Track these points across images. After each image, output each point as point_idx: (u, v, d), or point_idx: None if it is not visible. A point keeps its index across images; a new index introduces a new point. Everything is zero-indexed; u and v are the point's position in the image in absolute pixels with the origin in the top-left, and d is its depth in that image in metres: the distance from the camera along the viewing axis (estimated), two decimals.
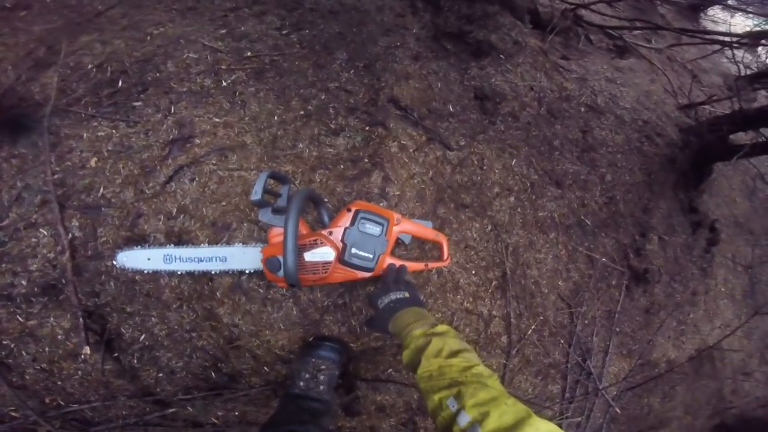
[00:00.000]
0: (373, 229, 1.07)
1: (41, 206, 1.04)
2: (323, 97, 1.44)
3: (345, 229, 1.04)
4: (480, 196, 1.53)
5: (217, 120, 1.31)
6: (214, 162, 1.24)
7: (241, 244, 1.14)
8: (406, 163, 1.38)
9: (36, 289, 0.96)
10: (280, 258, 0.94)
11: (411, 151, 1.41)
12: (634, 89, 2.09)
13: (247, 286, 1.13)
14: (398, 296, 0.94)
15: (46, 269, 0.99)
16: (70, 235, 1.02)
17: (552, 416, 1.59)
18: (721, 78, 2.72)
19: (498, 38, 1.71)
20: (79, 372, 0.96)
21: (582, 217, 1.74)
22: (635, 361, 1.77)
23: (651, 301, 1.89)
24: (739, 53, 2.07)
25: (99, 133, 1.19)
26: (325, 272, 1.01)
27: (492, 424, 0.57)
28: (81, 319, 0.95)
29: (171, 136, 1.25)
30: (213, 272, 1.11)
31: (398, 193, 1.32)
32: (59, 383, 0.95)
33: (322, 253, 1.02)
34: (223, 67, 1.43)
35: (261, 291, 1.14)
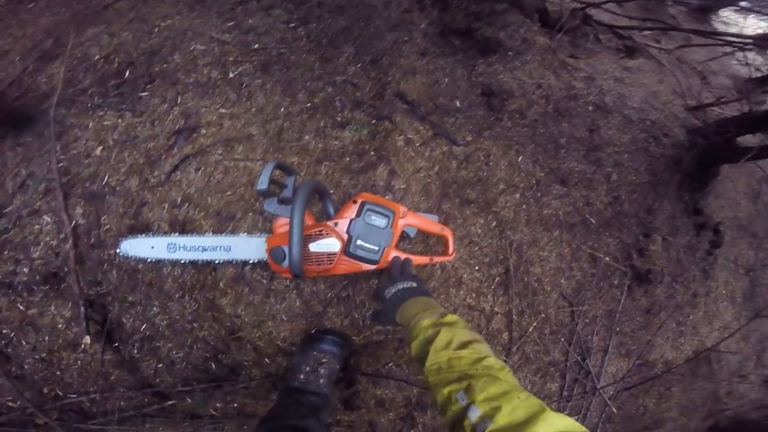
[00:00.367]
0: (379, 221, 1.03)
1: (45, 194, 1.01)
2: (329, 90, 1.39)
3: (351, 221, 1.01)
4: (485, 192, 1.49)
5: (223, 111, 1.28)
6: (219, 152, 1.21)
7: (245, 234, 1.11)
8: (412, 157, 1.33)
9: (38, 277, 0.93)
10: (285, 248, 0.92)
11: (417, 145, 1.36)
12: (642, 89, 2.02)
13: (251, 276, 1.10)
14: (405, 286, 0.90)
15: (48, 257, 0.96)
16: (73, 223, 1.00)
17: None
18: (730, 80, 2.63)
19: (506, 36, 1.65)
20: (79, 362, 0.94)
21: (586, 216, 1.69)
22: (634, 361, 1.73)
23: (652, 301, 1.84)
24: (750, 55, 1.99)
25: (105, 123, 1.15)
26: (330, 263, 0.98)
27: (503, 419, 0.53)
28: (82, 309, 0.92)
29: (177, 127, 1.21)
30: (216, 262, 1.08)
31: (404, 186, 1.28)
32: (58, 373, 0.93)
33: (327, 244, 0.98)
34: (230, 59, 1.39)
35: (264, 282, 1.10)
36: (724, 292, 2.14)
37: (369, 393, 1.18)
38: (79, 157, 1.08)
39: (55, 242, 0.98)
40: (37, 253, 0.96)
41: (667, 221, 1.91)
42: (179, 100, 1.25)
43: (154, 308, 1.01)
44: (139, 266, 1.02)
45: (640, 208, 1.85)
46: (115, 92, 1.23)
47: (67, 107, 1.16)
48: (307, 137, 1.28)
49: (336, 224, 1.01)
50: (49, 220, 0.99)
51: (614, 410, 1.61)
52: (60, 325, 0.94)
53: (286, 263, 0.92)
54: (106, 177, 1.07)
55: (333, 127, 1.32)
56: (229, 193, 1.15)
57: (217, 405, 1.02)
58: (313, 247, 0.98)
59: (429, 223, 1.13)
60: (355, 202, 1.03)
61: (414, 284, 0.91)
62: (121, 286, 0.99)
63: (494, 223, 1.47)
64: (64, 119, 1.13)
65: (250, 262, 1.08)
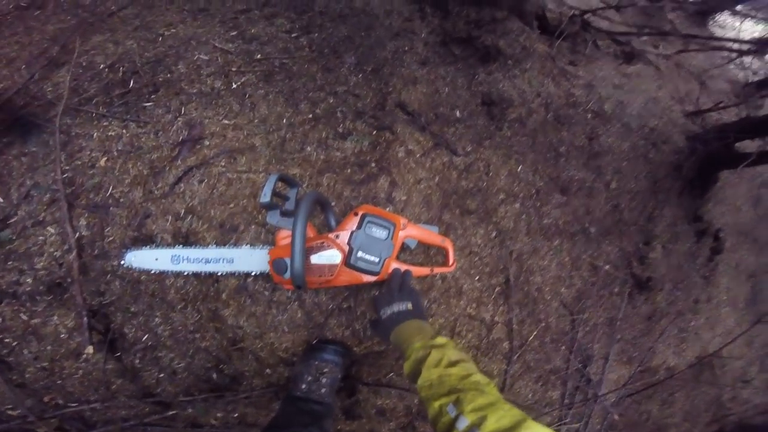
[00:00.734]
0: (380, 232, 1.03)
1: (50, 204, 1.01)
2: (331, 100, 1.39)
3: (351, 233, 1.01)
4: (485, 202, 1.48)
5: (226, 122, 1.28)
6: (223, 164, 1.21)
7: (248, 246, 1.11)
8: (412, 168, 1.33)
9: (41, 287, 0.93)
10: (287, 260, 0.92)
11: (418, 156, 1.36)
12: (642, 96, 2.01)
13: (253, 288, 1.10)
14: (401, 308, 0.93)
15: (52, 267, 0.96)
16: (77, 234, 1.00)
17: (550, 422, 1.54)
18: (728, 85, 2.62)
19: (506, 44, 1.65)
20: (80, 371, 0.94)
21: (586, 225, 1.68)
22: (635, 368, 1.71)
23: (653, 308, 1.83)
24: (747, 59, 1.98)
25: (109, 133, 1.16)
26: (331, 275, 0.98)
27: (490, 426, 0.58)
28: (85, 318, 0.92)
29: (181, 137, 1.21)
30: (219, 273, 1.08)
31: (405, 197, 1.28)
32: (59, 382, 0.93)
33: (329, 256, 0.99)
34: (233, 69, 1.39)
35: (266, 293, 1.10)
36: (725, 297, 2.12)
37: (370, 402, 1.18)
38: (83, 168, 1.08)
39: (59, 253, 0.98)
40: (41, 263, 0.96)
41: (668, 228, 1.90)
42: (183, 111, 1.26)
43: (157, 318, 1.01)
44: (142, 277, 1.02)
45: (640, 216, 1.84)
46: (120, 102, 1.23)
47: (72, 116, 1.16)
48: (309, 148, 1.28)
49: (337, 236, 1.01)
50: (53, 231, 0.99)
51: (616, 417, 1.59)
52: (62, 335, 0.94)
53: (288, 274, 0.92)
54: (110, 188, 1.07)
55: (335, 138, 1.32)
56: (232, 205, 1.15)
57: (218, 415, 1.02)
58: (315, 258, 0.98)
59: (429, 234, 1.12)
60: (356, 214, 1.03)
61: (409, 305, 0.93)
62: (124, 296, 0.99)
63: (494, 233, 1.46)
64: (69, 129, 1.14)
65: (253, 273, 1.08)
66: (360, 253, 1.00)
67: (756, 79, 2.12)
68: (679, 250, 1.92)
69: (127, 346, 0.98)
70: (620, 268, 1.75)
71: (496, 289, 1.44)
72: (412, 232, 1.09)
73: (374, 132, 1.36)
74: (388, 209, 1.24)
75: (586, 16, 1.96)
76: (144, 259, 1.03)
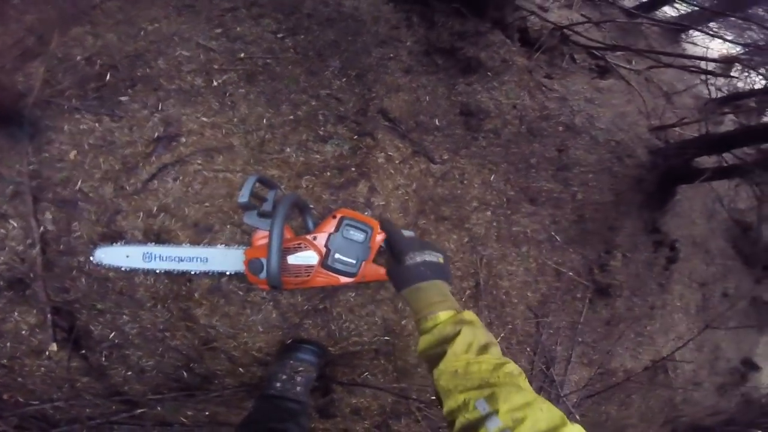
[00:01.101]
0: (357, 235, 1.02)
1: (13, 197, 0.96)
2: (313, 103, 1.38)
3: (329, 235, 1.00)
4: (459, 210, 1.51)
5: (205, 120, 1.25)
6: (199, 162, 1.18)
7: (223, 246, 1.08)
8: (391, 174, 1.34)
9: (1, 282, 0.88)
10: (263, 260, 0.90)
11: (397, 162, 1.37)
12: (611, 110, 2.09)
13: (227, 288, 1.08)
14: (432, 259, 0.76)
15: (13, 263, 0.91)
16: (42, 229, 0.95)
17: None
18: (693, 100, 2.75)
19: (487, 56, 1.68)
20: (43, 369, 0.90)
21: (552, 233, 1.74)
22: (595, 370, 1.79)
23: (612, 313, 1.91)
24: (708, 77, 2.09)
25: (81, 126, 1.11)
26: (308, 276, 0.97)
27: (524, 430, 0.50)
28: (49, 315, 0.87)
29: (156, 134, 1.18)
30: (193, 272, 1.05)
31: (383, 203, 1.29)
32: (20, 380, 0.88)
33: (306, 257, 0.98)
34: (216, 66, 1.36)
35: (241, 293, 1.09)
36: (679, 304, 2.24)
37: (344, 402, 1.18)
38: (51, 161, 1.03)
39: (22, 247, 0.93)
40: (2, 258, 0.91)
41: (628, 238, 1.99)
42: (161, 107, 1.22)
43: (125, 316, 0.98)
44: (110, 274, 0.98)
45: (602, 226, 1.92)
46: (94, 95, 1.18)
47: (42, 108, 1.10)
48: (288, 150, 1.27)
49: (315, 238, 1.00)
50: (15, 225, 0.94)
51: (578, 417, 1.66)
52: (24, 332, 0.89)
53: (263, 275, 0.90)
54: (80, 182, 1.03)
55: (315, 141, 1.31)
56: (207, 204, 1.12)
57: (189, 413, 1.00)
58: (292, 259, 0.97)
59: None
60: (334, 217, 1.02)
61: (441, 258, 0.78)
62: (90, 293, 0.96)
63: (467, 239, 1.49)
64: (38, 121, 1.08)
65: (227, 273, 1.05)
66: (337, 255, 0.99)
67: (719, 95, 2.22)
68: (637, 259, 2.01)
69: (93, 344, 0.95)
70: (583, 274, 1.82)
71: (467, 293, 1.48)
72: None
73: (355, 137, 1.36)
74: (366, 214, 1.25)
75: (566, 31, 2.02)
76: (114, 256, 0.99)
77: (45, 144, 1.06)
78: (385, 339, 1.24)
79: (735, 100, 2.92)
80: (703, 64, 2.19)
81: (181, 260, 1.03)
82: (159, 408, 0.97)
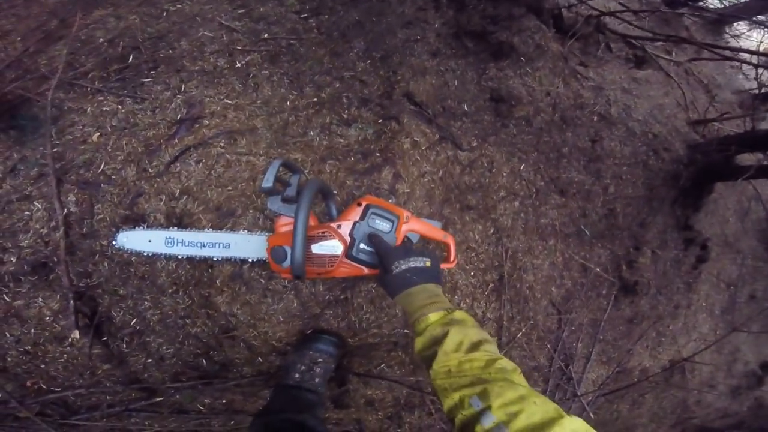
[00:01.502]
0: (383, 225, 0.93)
1: (37, 179, 0.90)
2: (337, 85, 1.26)
3: (354, 224, 0.91)
4: (485, 199, 1.38)
5: (228, 102, 1.15)
6: (222, 145, 1.09)
7: (245, 231, 1.01)
8: (417, 160, 1.22)
9: (25, 267, 0.83)
10: (287, 248, 0.83)
11: (423, 148, 1.24)
12: (648, 101, 1.87)
13: (249, 275, 1.00)
14: (418, 264, 0.75)
15: (37, 246, 0.86)
16: (65, 211, 0.89)
17: None
18: (734, 95, 2.46)
19: (521, 41, 1.50)
20: (65, 355, 0.85)
21: (581, 227, 1.59)
22: (613, 369, 1.66)
23: (635, 311, 1.77)
24: (760, 71, 1.83)
25: (104, 108, 1.03)
26: (331, 266, 0.89)
27: (520, 424, 0.48)
28: (71, 301, 0.82)
29: (179, 116, 1.09)
30: (214, 259, 0.98)
31: (408, 190, 1.17)
32: (42, 366, 0.84)
33: (330, 246, 0.89)
34: (238, 48, 1.25)
35: (262, 281, 1.01)
36: (704, 304, 2.06)
37: (359, 392, 1.12)
38: (74, 143, 0.96)
39: (45, 230, 0.87)
40: (26, 241, 0.86)
41: (658, 235, 1.81)
42: (183, 88, 1.12)
43: (146, 302, 0.92)
44: (132, 259, 0.92)
45: (633, 222, 1.74)
46: (117, 77, 1.10)
47: (66, 91, 1.03)
48: (312, 133, 1.16)
49: (339, 226, 0.91)
50: (39, 206, 0.88)
51: (591, 416, 1.55)
52: (47, 318, 0.84)
53: (287, 263, 0.82)
54: (102, 165, 0.96)
55: (339, 124, 1.20)
56: (230, 188, 1.04)
57: (206, 401, 0.95)
58: (316, 248, 0.89)
59: (432, 229, 1.02)
60: (359, 204, 0.93)
61: (427, 262, 0.76)
62: (112, 278, 0.90)
63: (492, 230, 1.37)
64: (61, 103, 1.01)
65: (249, 260, 0.98)
66: (362, 245, 0.90)
67: (766, 90, 1.96)
68: (666, 256, 1.83)
69: (114, 330, 0.90)
70: (609, 270, 1.67)
71: (490, 286, 1.36)
72: (415, 226, 0.99)
73: (380, 121, 1.24)
74: (390, 201, 1.14)
75: (602, 18, 1.78)
76: (137, 240, 0.92)
77: (68, 126, 0.99)
78: (404, 332, 1.15)
79: None
80: (752, 59, 1.91)
81: (204, 246, 0.96)
82: (177, 396, 0.92)
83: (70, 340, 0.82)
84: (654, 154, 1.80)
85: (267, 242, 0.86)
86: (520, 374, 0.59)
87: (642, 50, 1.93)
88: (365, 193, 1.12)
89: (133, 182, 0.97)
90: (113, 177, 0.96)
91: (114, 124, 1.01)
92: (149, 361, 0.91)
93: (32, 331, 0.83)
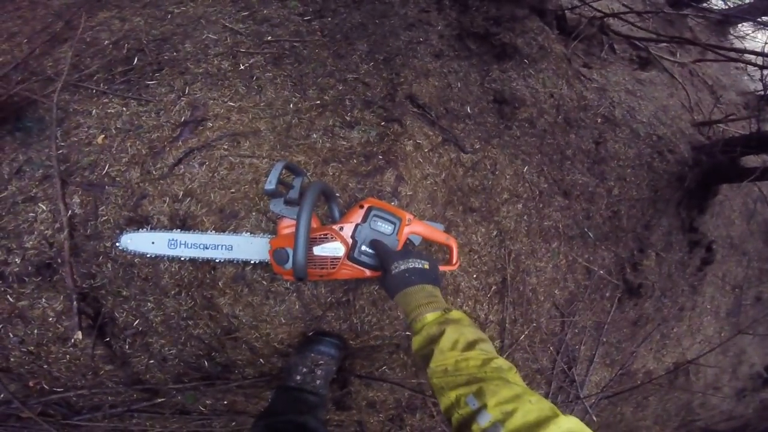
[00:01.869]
0: (385, 227, 0.91)
1: (42, 181, 0.89)
2: (340, 87, 1.25)
3: (356, 226, 0.89)
4: (489, 201, 1.35)
5: (231, 104, 1.14)
6: (225, 147, 1.08)
7: (248, 233, 0.99)
8: (420, 162, 1.20)
9: (30, 268, 0.83)
10: (289, 250, 0.82)
11: (426, 151, 1.22)
12: (653, 103, 1.83)
13: (251, 277, 0.99)
14: (416, 266, 0.75)
15: (41, 247, 0.85)
16: (69, 212, 0.88)
17: None
18: (739, 96, 2.41)
19: (524, 42, 1.47)
20: (68, 356, 0.84)
21: (585, 229, 1.56)
22: (617, 371, 1.63)
23: (640, 314, 1.73)
24: (764, 72, 1.79)
25: (109, 110, 1.02)
26: (333, 268, 0.87)
27: (515, 422, 0.48)
28: (75, 302, 0.81)
29: (183, 118, 1.08)
30: (217, 260, 0.97)
31: (410, 193, 1.15)
32: (45, 367, 0.83)
33: (332, 248, 0.87)
34: (242, 50, 1.24)
35: (264, 283, 1.00)
36: (709, 307, 2.02)
37: (361, 394, 1.10)
38: (79, 145, 0.96)
39: (50, 231, 0.87)
40: (31, 242, 0.85)
41: (663, 237, 1.77)
42: (187, 91, 1.12)
43: (149, 304, 0.91)
44: (136, 260, 0.91)
45: (638, 224, 1.71)
46: (121, 79, 1.09)
47: (71, 93, 1.02)
48: (314, 135, 1.15)
49: (341, 228, 0.90)
50: (44, 208, 0.88)
51: (594, 418, 1.52)
52: (50, 318, 0.84)
53: (289, 265, 0.82)
54: (107, 166, 0.95)
55: (342, 127, 1.18)
56: (233, 190, 1.02)
57: (207, 402, 0.94)
58: (318, 250, 0.87)
59: (435, 231, 1.00)
60: (361, 207, 0.91)
61: (426, 265, 0.76)
62: (115, 279, 0.89)
63: (495, 233, 1.34)
64: (67, 105, 1.00)
65: (252, 262, 0.97)
66: (364, 247, 0.89)
67: None
68: (671, 259, 1.79)
69: (117, 331, 0.89)
70: (614, 273, 1.64)
71: (492, 288, 1.34)
72: (417, 228, 0.97)
73: (383, 123, 1.22)
74: (393, 204, 1.12)
75: (606, 19, 1.75)
76: (140, 242, 0.92)
77: (73, 128, 0.99)
78: (406, 334, 1.13)
79: None
80: (757, 60, 1.87)
81: (206, 248, 0.95)
82: (179, 397, 0.91)
83: (73, 340, 0.81)
84: (658, 156, 1.76)
85: (269, 244, 0.85)
86: (516, 373, 0.58)
87: (646, 51, 1.89)
88: (368, 195, 1.11)
89: (137, 184, 0.96)
90: (117, 179, 0.95)
91: (119, 126, 1.01)
92: (152, 362, 0.90)
93: (36, 331, 0.82)
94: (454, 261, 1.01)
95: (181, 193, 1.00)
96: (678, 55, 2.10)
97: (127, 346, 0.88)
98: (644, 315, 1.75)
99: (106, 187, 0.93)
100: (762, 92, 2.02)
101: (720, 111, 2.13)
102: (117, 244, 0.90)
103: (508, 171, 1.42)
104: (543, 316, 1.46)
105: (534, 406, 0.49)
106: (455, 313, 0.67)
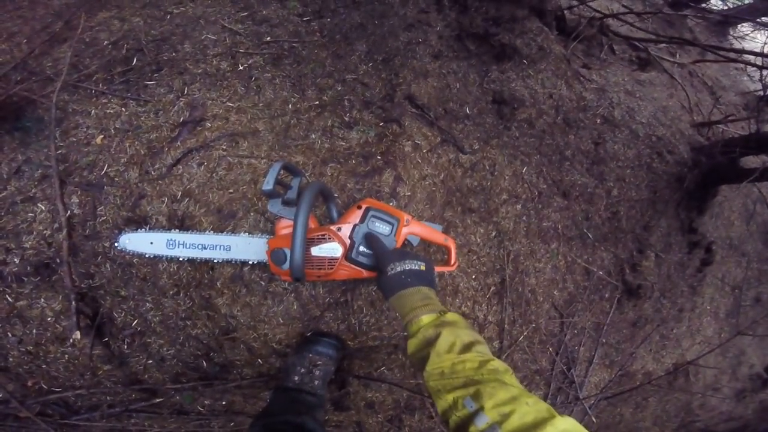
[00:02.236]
0: (383, 228, 0.91)
1: (41, 181, 0.90)
2: (339, 88, 1.25)
3: (354, 226, 0.89)
4: (487, 202, 1.35)
5: (230, 104, 1.14)
6: (224, 147, 1.08)
7: (246, 233, 0.99)
8: (418, 163, 1.20)
9: (29, 267, 0.83)
10: (286, 251, 0.82)
11: (424, 151, 1.22)
12: (652, 104, 1.83)
13: (249, 277, 0.99)
14: (412, 267, 0.74)
15: (40, 247, 0.85)
16: (68, 212, 0.88)
17: None
18: (739, 97, 2.40)
19: (523, 43, 1.48)
20: (66, 356, 0.84)
21: (584, 230, 1.56)
22: (616, 372, 1.63)
23: (639, 315, 1.73)
24: (763, 72, 1.79)
25: (108, 111, 1.03)
26: (331, 268, 0.87)
27: (513, 424, 0.48)
28: (73, 302, 0.81)
29: (182, 118, 1.08)
30: (215, 261, 0.97)
31: (409, 193, 1.15)
32: (43, 367, 0.83)
33: (330, 249, 0.87)
34: (241, 50, 1.24)
35: (262, 283, 1.00)
36: (708, 307, 2.02)
37: (359, 395, 1.10)
38: (78, 145, 0.96)
39: (49, 231, 0.87)
40: (29, 242, 0.85)
41: (662, 238, 1.77)
42: (186, 91, 1.12)
43: (147, 304, 0.91)
44: (134, 260, 0.91)
45: (637, 225, 1.71)
46: (121, 79, 1.09)
47: (70, 93, 1.03)
48: (313, 136, 1.15)
49: (339, 229, 0.90)
50: (43, 208, 0.88)
51: (593, 419, 1.52)
52: (49, 318, 0.84)
53: (286, 266, 0.81)
54: (105, 167, 0.95)
55: (340, 127, 1.18)
56: (231, 190, 1.03)
57: (206, 402, 0.94)
58: (315, 251, 0.87)
59: (433, 232, 1.01)
60: (359, 207, 0.91)
61: (422, 267, 0.75)
62: (114, 279, 0.89)
63: (494, 233, 1.34)
64: (66, 105, 1.00)
65: (250, 262, 0.97)
66: (362, 248, 0.89)
67: None
68: (670, 260, 1.79)
69: (115, 331, 0.89)
70: (613, 274, 1.64)
71: (491, 289, 1.34)
72: (415, 229, 0.97)
73: (381, 124, 1.22)
74: (391, 204, 1.12)
75: (605, 20, 1.75)
76: (139, 242, 0.92)
77: (72, 128, 0.99)
78: (404, 334, 1.13)
79: None
80: (756, 60, 1.87)
81: (204, 248, 0.95)
82: (177, 397, 0.91)
83: (71, 340, 0.81)
84: (658, 157, 1.76)
85: (267, 245, 0.85)
86: (512, 375, 0.58)
87: (645, 52, 1.89)
88: (366, 195, 1.11)
89: (135, 184, 0.96)
90: (116, 179, 0.95)
91: (117, 126, 1.01)
92: (150, 362, 0.90)
93: (34, 331, 0.82)
94: (453, 262, 1.01)
95: (180, 193, 1.00)
96: (677, 55, 2.10)
97: (125, 346, 0.88)
98: (643, 316, 1.75)
99: (105, 187, 0.93)
100: (761, 93, 2.02)
101: (719, 112, 2.13)
102: (115, 244, 0.90)
103: (507, 171, 1.42)
104: (542, 317, 1.46)
105: (531, 407, 0.49)
106: (451, 316, 0.67)
